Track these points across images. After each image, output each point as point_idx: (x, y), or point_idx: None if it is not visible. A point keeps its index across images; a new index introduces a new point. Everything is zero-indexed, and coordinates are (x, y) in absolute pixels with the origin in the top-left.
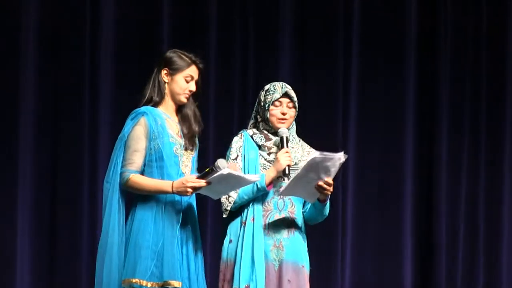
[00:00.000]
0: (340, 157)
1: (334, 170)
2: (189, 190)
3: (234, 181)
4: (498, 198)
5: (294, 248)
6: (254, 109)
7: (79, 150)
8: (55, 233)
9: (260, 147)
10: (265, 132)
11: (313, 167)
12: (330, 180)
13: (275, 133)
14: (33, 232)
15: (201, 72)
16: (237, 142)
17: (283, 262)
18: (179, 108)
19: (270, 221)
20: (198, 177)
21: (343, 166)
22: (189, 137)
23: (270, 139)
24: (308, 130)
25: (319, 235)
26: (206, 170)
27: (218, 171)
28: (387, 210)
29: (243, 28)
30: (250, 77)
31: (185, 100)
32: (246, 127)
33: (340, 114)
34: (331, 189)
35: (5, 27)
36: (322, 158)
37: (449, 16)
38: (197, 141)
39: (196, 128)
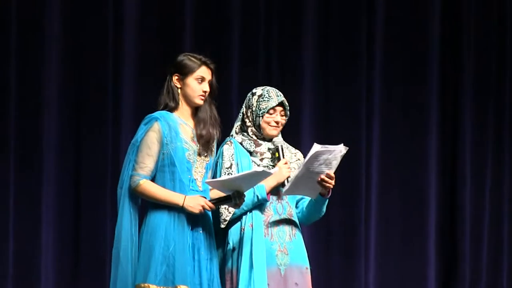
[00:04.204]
0: (341, 149)
1: (335, 163)
2: (200, 208)
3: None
4: None
5: (298, 250)
6: (242, 112)
7: (102, 155)
8: (78, 237)
9: (251, 153)
10: (254, 137)
11: (315, 161)
12: (331, 173)
13: (264, 138)
14: (56, 237)
15: (213, 73)
16: (228, 150)
17: (288, 266)
18: (196, 112)
19: (272, 226)
20: (212, 201)
21: (367, 172)
22: (203, 142)
23: (260, 145)
24: (331, 134)
25: (343, 237)
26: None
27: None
28: (410, 216)
29: (267, 32)
30: (274, 82)
31: (201, 102)
32: (231, 130)
33: (364, 119)
34: (333, 182)
35: (29, 29)
36: (323, 151)
37: (472, 17)
38: (214, 147)
39: (212, 131)
